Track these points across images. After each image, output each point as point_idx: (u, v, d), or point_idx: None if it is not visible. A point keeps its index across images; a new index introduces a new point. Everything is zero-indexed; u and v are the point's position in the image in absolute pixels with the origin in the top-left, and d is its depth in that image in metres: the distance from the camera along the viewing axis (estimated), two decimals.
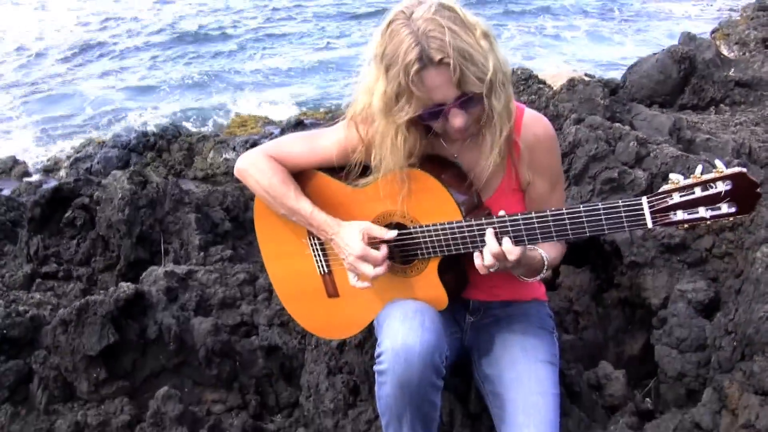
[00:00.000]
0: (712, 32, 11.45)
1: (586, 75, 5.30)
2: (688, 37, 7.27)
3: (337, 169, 2.83)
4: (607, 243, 3.69)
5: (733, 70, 7.16)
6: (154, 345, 3.71)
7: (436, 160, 2.71)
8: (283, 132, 8.61)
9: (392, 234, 2.66)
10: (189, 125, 10.40)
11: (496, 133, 2.54)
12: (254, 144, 7.94)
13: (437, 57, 2.30)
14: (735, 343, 3.05)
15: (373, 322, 2.93)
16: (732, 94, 6.62)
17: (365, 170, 2.75)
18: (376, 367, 2.54)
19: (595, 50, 13.41)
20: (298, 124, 8.74)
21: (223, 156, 8.17)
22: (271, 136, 8.83)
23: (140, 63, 14.58)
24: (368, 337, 3.32)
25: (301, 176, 2.88)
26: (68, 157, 8.88)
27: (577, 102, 4.64)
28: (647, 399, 3.42)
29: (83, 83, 13.50)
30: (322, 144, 2.83)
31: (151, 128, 9.36)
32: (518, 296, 2.95)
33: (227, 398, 3.77)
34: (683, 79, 6.59)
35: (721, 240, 3.52)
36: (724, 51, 11.01)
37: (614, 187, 3.82)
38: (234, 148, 8.25)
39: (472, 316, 2.94)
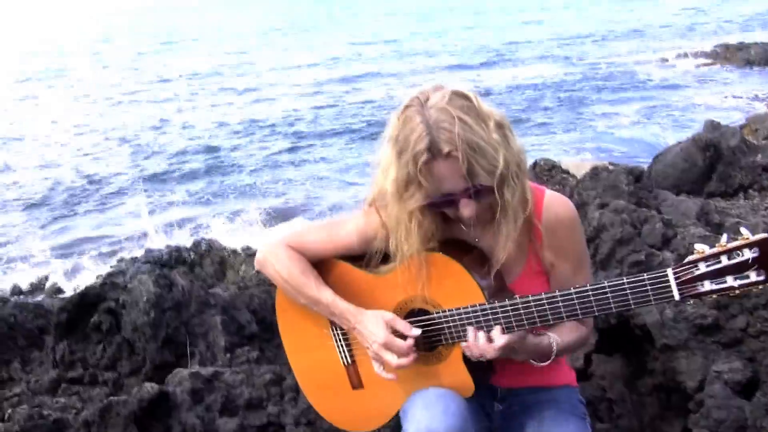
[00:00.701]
0: (741, 127, 11.54)
1: (610, 164, 5.30)
2: (712, 125, 7.28)
3: (358, 258, 2.79)
4: (637, 327, 3.61)
5: (760, 156, 7.14)
6: None
7: (456, 244, 2.67)
8: None
9: (416, 332, 2.60)
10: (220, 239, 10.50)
11: (510, 222, 2.51)
12: None
13: (446, 149, 2.30)
14: None
15: (398, 413, 2.85)
16: (760, 180, 6.59)
17: (386, 257, 2.71)
18: None
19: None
20: None
21: (255, 269, 8.16)
22: None
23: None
24: (395, 429, 3.24)
25: (321, 265, 2.84)
26: (99, 276, 8.94)
27: (601, 189, 4.62)
28: None
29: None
30: (343, 232, 2.80)
31: (183, 243, 9.44)
32: (547, 382, 2.86)
33: None
34: (709, 167, 6.59)
35: (755, 318, 3.44)
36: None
37: (642, 269, 3.74)
38: None
39: (501, 404, 2.85)
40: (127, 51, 43.44)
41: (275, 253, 2.85)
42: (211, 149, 17.28)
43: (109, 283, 5.10)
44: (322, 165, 15.22)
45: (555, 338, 2.56)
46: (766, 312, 3.43)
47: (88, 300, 5.03)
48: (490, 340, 2.43)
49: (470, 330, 2.42)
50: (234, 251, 8.72)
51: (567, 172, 4.90)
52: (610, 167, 4.94)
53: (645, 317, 3.52)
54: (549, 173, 4.87)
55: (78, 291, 5.21)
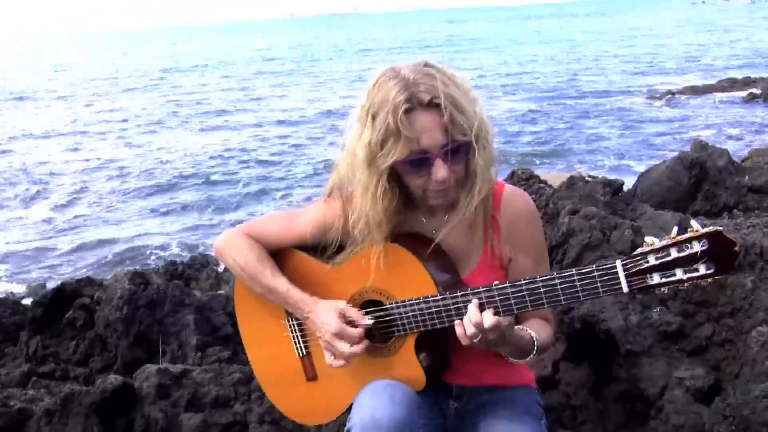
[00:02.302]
0: (743, 160, 11.54)
1: (588, 175, 5.29)
2: (700, 145, 7.27)
3: (315, 248, 2.80)
4: (602, 333, 3.59)
5: (747, 177, 7.13)
6: None
7: (413, 237, 2.67)
8: None
9: (368, 322, 2.60)
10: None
11: (474, 192, 2.50)
12: None
13: (426, 98, 2.32)
14: (733, 428, 2.94)
15: (351, 406, 2.84)
16: (745, 200, 6.57)
17: (341, 249, 2.72)
18: None
19: None
20: None
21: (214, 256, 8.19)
22: None
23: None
24: None
25: (279, 255, 2.85)
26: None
27: (576, 199, 4.61)
28: None
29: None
30: (300, 221, 2.81)
31: (179, 258, 9.46)
32: (505, 381, 2.84)
33: None
34: (694, 186, 6.57)
35: (721, 327, 3.42)
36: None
37: None
38: None
39: (456, 401, 2.83)
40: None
41: (233, 241, 2.85)
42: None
43: (85, 279, 5.10)
44: None
45: (534, 334, 2.53)
46: (732, 320, 3.41)
47: (63, 296, 5.03)
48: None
49: (471, 305, 2.36)
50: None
51: (544, 182, 4.89)
52: (588, 178, 4.93)
53: (610, 323, 3.50)
54: (526, 182, 4.86)
55: (54, 287, 5.20)
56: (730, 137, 17.81)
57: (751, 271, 4.01)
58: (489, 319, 2.33)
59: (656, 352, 3.45)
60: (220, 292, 6.33)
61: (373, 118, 2.40)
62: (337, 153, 2.67)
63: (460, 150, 2.40)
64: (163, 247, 12.08)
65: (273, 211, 3.02)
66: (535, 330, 2.55)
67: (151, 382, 3.91)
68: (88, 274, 10.42)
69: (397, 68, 2.43)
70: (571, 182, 4.70)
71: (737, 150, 12.80)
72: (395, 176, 2.51)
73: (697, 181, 6.59)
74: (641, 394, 3.49)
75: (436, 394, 2.76)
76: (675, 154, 14.45)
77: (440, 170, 2.40)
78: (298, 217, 2.83)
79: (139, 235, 12.77)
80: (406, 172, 2.46)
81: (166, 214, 14.44)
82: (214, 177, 17.66)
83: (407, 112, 2.33)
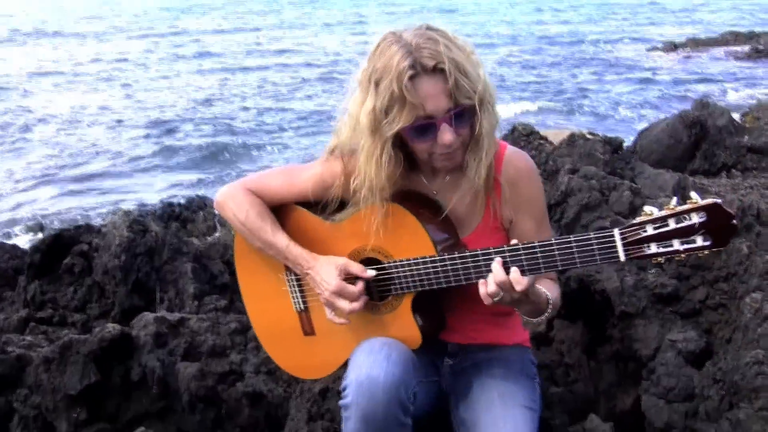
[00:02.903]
0: (742, 115, 11.51)
1: (589, 132, 5.28)
2: (701, 104, 7.26)
3: (316, 204, 2.80)
4: (597, 293, 3.61)
5: (747, 137, 7.13)
6: (138, 388, 3.69)
7: (414, 197, 2.68)
8: None
9: (371, 273, 2.62)
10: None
11: (482, 156, 2.50)
12: None
13: (430, 64, 2.31)
14: (723, 392, 2.97)
15: (347, 362, 2.87)
16: (744, 160, 6.59)
17: (342, 206, 2.73)
18: (341, 402, 2.48)
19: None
20: None
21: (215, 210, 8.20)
22: None
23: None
24: None
25: (280, 211, 2.86)
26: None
27: (576, 157, 4.61)
28: None
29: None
30: (301, 178, 2.81)
31: (177, 199, 9.44)
32: (499, 340, 2.87)
33: None
34: (694, 144, 6.59)
35: (715, 291, 3.44)
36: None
37: None
38: None
39: (451, 359, 2.87)
40: None
41: (234, 195, 2.86)
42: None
43: (84, 226, 5.11)
44: None
45: (549, 293, 2.53)
46: (727, 285, 3.42)
47: (62, 242, 5.05)
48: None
49: (496, 262, 2.36)
50: None
51: (545, 138, 4.88)
52: (588, 136, 4.92)
53: (605, 284, 3.52)
54: (526, 139, 4.85)
55: (52, 233, 5.21)
56: (731, 92, 17.71)
57: (747, 234, 4.03)
58: (516, 277, 2.32)
59: (650, 314, 3.47)
60: (216, 236, 6.35)
61: (377, 84, 2.39)
62: (339, 115, 2.67)
63: (464, 113, 2.40)
64: (159, 192, 11.99)
65: (275, 166, 3.02)
66: (547, 289, 2.56)
67: (149, 331, 3.93)
68: (87, 214, 10.45)
69: (398, 32, 2.42)
70: (572, 140, 4.70)
71: (738, 106, 12.74)
72: (399, 142, 2.51)
73: (697, 140, 6.60)
74: (634, 354, 3.52)
75: (432, 351, 2.78)
76: (674, 107, 14.37)
77: (446, 134, 2.40)
78: (300, 173, 2.83)
79: (136, 181, 12.67)
80: (412, 137, 2.46)
81: (160, 160, 14.27)
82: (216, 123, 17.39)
83: (411, 78, 2.32)
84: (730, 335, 3.13)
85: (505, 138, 4.49)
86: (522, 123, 5.03)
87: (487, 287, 2.37)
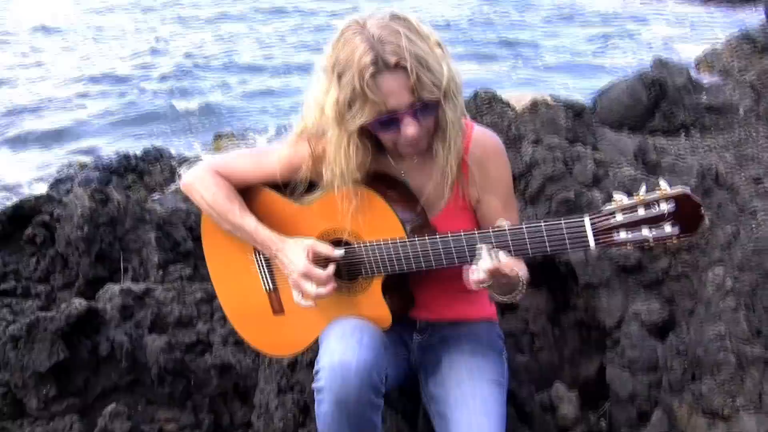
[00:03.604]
0: (696, 63, 11.55)
1: (551, 97, 5.30)
2: (660, 63, 7.32)
3: (284, 186, 2.81)
4: (561, 264, 3.67)
5: (705, 95, 7.21)
6: (106, 363, 3.70)
7: (382, 178, 2.69)
8: None
9: (339, 253, 2.64)
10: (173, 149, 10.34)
11: (449, 145, 2.52)
12: None
13: (392, 60, 2.29)
14: (685, 364, 3.06)
15: (317, 340, 2.90)
16: (702, 119, 6.66)
17: (311, 187, 2.74)
18: (314, 385, 2.51)
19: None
20: None
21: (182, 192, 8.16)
22: None
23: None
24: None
25: (247, 192, 2.86)
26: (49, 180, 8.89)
27: (539, 124, 4.63)
28: (602, 420, 3.41)
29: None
30: (269, 160, 2.80)
31: (134, 151, 9.33)
32: (467, 316, 2.91)
33: (180, 417, 3.75)
34: (653, 104, 6.64)
35: (677, 261, 3.51)
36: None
37: (570, 208, 3.79)
38: None
39: (420, 335, 2.91)
40: None
41: (201, 178, 2.85)
42: None
43: (45, 195, 5.05)
44: None
45: (521, 273, 2.52)
46: (689, 255, 3.50)
47: (22, 212, 4.98)
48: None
49: (484, 248, 2.37)
50: (185, 159, 8.74)
51: (507, 104, 4.90)
52: (550, 101, 4.94)
53: (570, 255, 3.58)
54: (488, 105, 4.86)
55: (13, 203, 5.14)
56: (685, 39, 17.68)
57: (707, 197, 4.11)
58: (505, 260, 2.35)
59: (614, 284, 3.54)
60: (173, 188, 6.31)
61: (339, 76, 2.38)
62: (306, 98, 2.65)
63: (428, 107, 2.40)
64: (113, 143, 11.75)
65: (242, 149, 3.01)
66: (518, 267, 2.59)
67: (115, 303, 3.93)
68: (45, 169, 10.27)
69: (362, 20, 2.39)
70: (534, 107, 4.71)
71: (692, 54, 12.74)
72: (366, 131, 2.51)
73: (656, 100, 6.65)
74: (598, 324, 3.60)
75: (401, 327, 2.82)
76: (627, 56, 14.38)
77: (409, 128, 2.41)
78: (268, 155, 2.82)
79: (92, 134, 12.43)
80: (376, 129, 2.47)
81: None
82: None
83: (373, 75, 2.31)
84: (692, 307, 3.21)
85: (467, 104, 4.48)
86: (484, 88, 5.02)
87: (477, 274, 2.38)
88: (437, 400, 2.78)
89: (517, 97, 5.30)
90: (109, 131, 12.19)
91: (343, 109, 2.41)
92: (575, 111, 4.91)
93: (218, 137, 10.54)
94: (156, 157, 8.67)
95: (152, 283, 4.44)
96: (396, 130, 2.43)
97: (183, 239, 5.02)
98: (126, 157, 8.68)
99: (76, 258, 4.69)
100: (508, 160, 2.80)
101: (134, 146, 10.19)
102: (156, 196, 8.16)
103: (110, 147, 10.78)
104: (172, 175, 8.36)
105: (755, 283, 3.06)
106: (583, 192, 3.81)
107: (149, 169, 8.47)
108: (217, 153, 9.64)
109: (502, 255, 2.36)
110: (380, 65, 2.30)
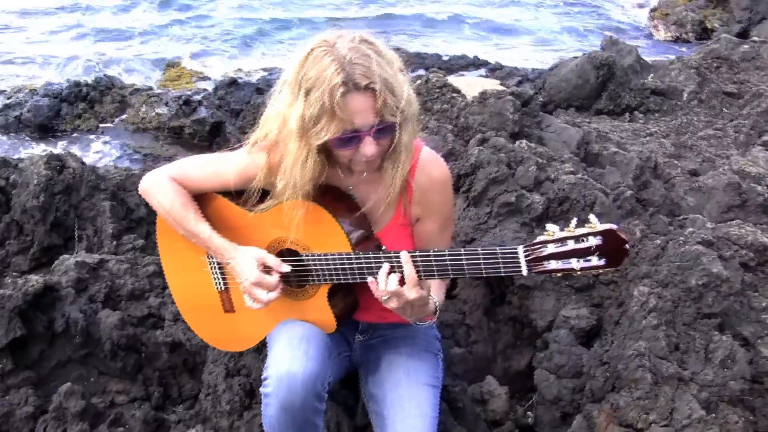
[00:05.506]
0: (651, 11, 11.69)
1: (501, 84, 5.42)
2: (611, 41, 7.45)
3: (238, 194, 2.92)
4: None
5: (651, 76, 7.38)
6: (61, 337, 3.80)
7: (330, 192, 2.83)
8: (216, 90, 8.82)
9: (286, 269, 2.78)
10: (124, 76, 10.24)
11: (398, 166, 2.67)
12: (186, 102, 8.22)
13: (363, 82, 2.42)
14: (607, 374, 3.25)
15: (266, 338, 3.06)
16: (647, 102, 6.81)
17: (263, 196, 2.85)
18: (261, 389, 2.69)
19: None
20: (231, 84, 8.89)
21: (155, 111, 8.22)
22: (204, 92, 8.99)
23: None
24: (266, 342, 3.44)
25: (202, 199, 2.97)
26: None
27: (487, 115, 4.76)
28: (529, 413, 3.61)
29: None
30: (224, 170, 2.91)
31: (83, 78, 9.23)
32: (405, 319, 3.08)
33: (131, 389, 3.89)
34: (601, 85, 6.77)
35: None
36: (662, 31, 11.26)
37: (511, 210, 3.96)
38: (167, 103, 8.35)
39: (361, 335, 3.11)
40: None
41: (158, 183, 2.95)
42: None
43: (0, 160, 5.08)
44: None
45: (436, 300, 2.77)
46: None
47: None
48: (402, 284, 2.58)
49: (384, 269, 2.58)
50: (136, 89, 8.79)
51: (458, 91, 5.01)
52: (499, 89, 5.05)
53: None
54: (440, 91, 4.96)
55: None
56: None
57: (644, 189, 4.29)
58: (393, 283, 2.57)
59: (547, 286, 3.72)
60: (124, 117, 6.35)
61: (307, 92, 2.49)
62: (267, 110, 2.77)
63: (387, 128, 2.53)
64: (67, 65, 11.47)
65: (199, 155, 3.11)
66: (435, 292, 2.80)
67: (70, 277, 4.03)
68: None
69: (331, 41, 2.50)
70: (483, 97, 4.83)
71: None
72: (324, 148, 2.62)
73: (604, 81, 6.78)
74: (530, 323, 3.79)
75: (345, 327, 3.00)
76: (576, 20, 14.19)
77: (368, 147, 2.54)
78: (223, 164, 2.93)
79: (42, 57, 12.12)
80: (336, 146, 2.58)
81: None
82: None
83: (344, 95, 2.43)
84: (618, 318, 3.40)
85: (418, 89, 4.59)
86: (437, 74, 5.11)
87: (377, 286, 2.61)
88: (376, 400, 2.99)
89: (468, 83, 5.40)
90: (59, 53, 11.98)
91: (308, 125, 2.52)
92: (522, 100, 5.02)
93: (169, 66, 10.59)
94: (107, 85, 8.65)
95: (106, 253, 4.54)
96: (355, 147, 2.56)
97: (136, 205, 5.11)
98: (77, 84, 8.66)
99: (31, 226, 4.77)
100: (452, 188, 2.98)
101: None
102: (107, 124, 8.23)
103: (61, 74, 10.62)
104: (123, 105, 8.37)
105: (678, 299, 3.25)
106: (523, 195, 3.95)
107: (100, 98, 8.47)
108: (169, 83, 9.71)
109: (392, 282, 2.57)
110: (350, 86, 2.42)
